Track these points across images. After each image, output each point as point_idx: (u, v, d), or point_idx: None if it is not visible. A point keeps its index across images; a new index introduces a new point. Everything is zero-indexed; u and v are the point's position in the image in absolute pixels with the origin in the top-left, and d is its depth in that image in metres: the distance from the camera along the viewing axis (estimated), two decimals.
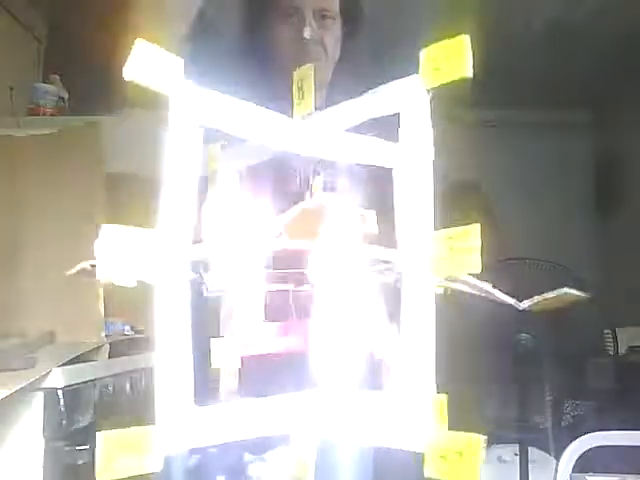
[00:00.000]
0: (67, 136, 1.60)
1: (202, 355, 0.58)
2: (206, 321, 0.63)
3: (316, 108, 0.57)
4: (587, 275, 2.28)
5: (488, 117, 3.81)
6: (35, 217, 1.58)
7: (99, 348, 1.52)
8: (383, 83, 0.51)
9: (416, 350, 0.43)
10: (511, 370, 2.07)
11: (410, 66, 0.50)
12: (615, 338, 2.14)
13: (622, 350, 2.30)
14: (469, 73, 0.44)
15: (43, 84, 2.26)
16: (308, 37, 1.15)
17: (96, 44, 2.80)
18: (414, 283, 0.45)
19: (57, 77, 2.30)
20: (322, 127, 0.55)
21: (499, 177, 3.84)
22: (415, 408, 0.43)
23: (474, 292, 0.56)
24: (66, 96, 2.28)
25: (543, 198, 3.93)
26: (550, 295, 0.55)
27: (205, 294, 0.58)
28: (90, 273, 0.55)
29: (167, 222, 0.42)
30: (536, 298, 0.55)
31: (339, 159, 0.56)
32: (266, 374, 0.71)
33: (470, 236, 0.42)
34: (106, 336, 1.58)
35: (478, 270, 0.42)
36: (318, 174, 1.10)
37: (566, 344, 2.07)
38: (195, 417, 0.42)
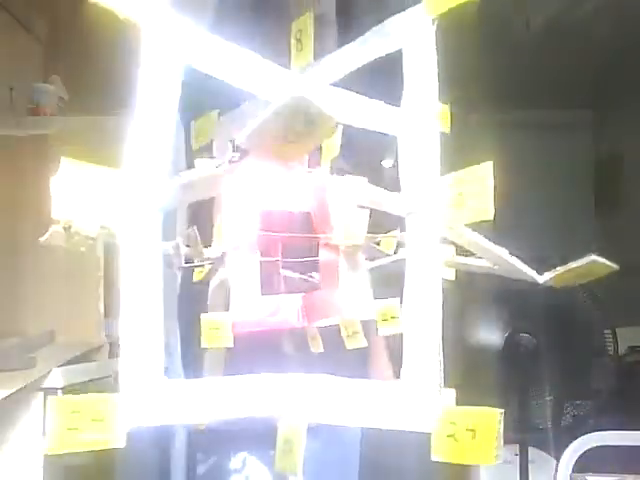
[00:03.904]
0: (67, 136, 1.60)
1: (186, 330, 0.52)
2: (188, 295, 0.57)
3: None
4: None
5: (486, 118, 3.81)
6: (35, 217, 1.58)
7: (99, 348, 1.52)
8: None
9: (421, 327, 0.38)
10: (511, 370, 2.07)
11: None
12: (615, 338, 2.14)
13: (622, 350, 2.29)
14: None
15: (43, 84, 2.26)
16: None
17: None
18: (419, 239, 0.38)
19: (57, 77, 2.29)
20: (325, 77, 0.50)
21: (498, 177, 3.83)
22: (420, 387, 0.38)
23: (490, 263, 0.51)
24: (66, 96, 2.28)
25: (542, 198, 3.93)
26: (575, 265, 0.49)
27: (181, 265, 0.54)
28: (62, 236, 0.50)
29: (139, 164, 0.36)
30: (559, 269, 0.50)
31: (340, 119, 0.50)
32: (256, 354, 0.63)
33: (482, 177, 0.37)
34: (106, 336, 1.58)
35: (490, 216, 0.37)
36: None
37: (566, 344, 2.07)
38: (165, 390, 0.36)
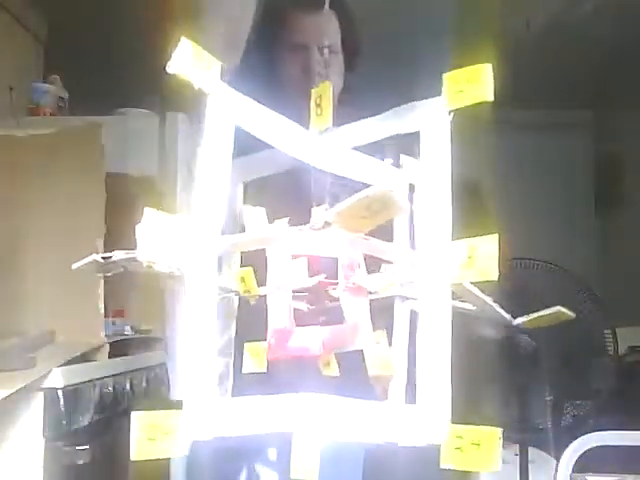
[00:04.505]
0: (67, 136, 1.60)
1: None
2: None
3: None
4: (587, 275, 2.28)
5: (489, 118, 3.80)
6: (35, 217, 1.58)
7: (99, 348, 1.51)
8: (381, 109, 0.55)
9: (433, 353, 0.46)
10: (511, 371, 2.07)
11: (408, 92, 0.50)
12: (615, 338, 2.14)
13: (622, 350, 2.30)
14: (491, 97, 0.48)
15: (43, 84, 2.26)
16: (314, 70, 1.31)
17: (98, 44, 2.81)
18: (433, 290, 0.48)
19: (57, 77, 2.30)
20: (340, 143, 0.58)
21: (498, 177, 3.84)
22: (430, 406, 0.46)
23: (472, 306, 0.59)
24: (66, 96, 2.28)
25: (542, 198, 3.93)
26: (544, 313, 0.58)
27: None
28: (99, 266, 0.57)
29: (201, 211, 0.44)
30: (531, 315, 0.59)
31: (350, 176, 0.59)
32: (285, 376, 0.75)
33: (489, 245, 0.45)
34: (106, 336, 1.58)
35: (495, 277, 0.45)
36: (334, 195, 1.18)
37: (566, 344, 2.07)
38: (220, 407, 0.44)
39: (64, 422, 1.24)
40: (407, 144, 0.56)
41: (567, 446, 1.55)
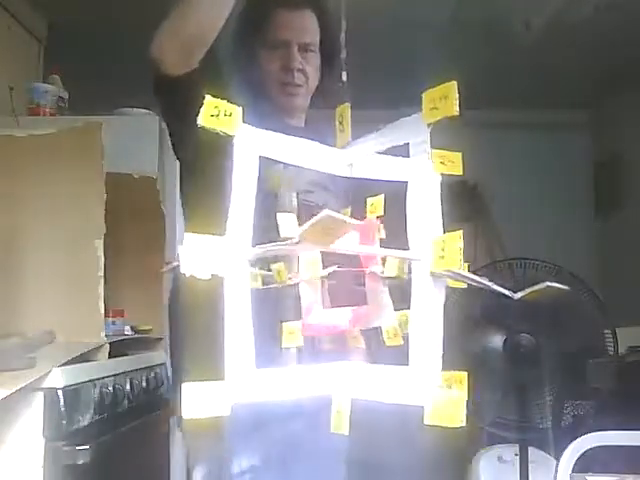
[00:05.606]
0: (67, 136, 1.60)
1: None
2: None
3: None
4: (587, 275, 2.28)
5: (486, 117, 3.80)
6: (35, 217, 1.58)
7: (99, 348, 1.52)
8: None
9: (426, 331, 0.57)
10: (511, 370, 2.07)
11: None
12: (615, 338, 2.14)
13: (622, 350, 2.29)
14: (457, 112, 0.57)
15: (43, 84, 2.26)
16: (294, 67, 1.38)
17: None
18: (426, 277, 0.58)
19: (57, 77, 2.30)
20: (357, 153, 0.69)
21: (498, 177, 3.84)
22: (421, 375, 0.57)
23: (475, 285, 0.66)
24: (66, 96, 2.28)
25: (542, 198, 3.93)
26: (537, 287, 0.69)
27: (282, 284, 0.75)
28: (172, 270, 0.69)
29: (233, 230, 0.57)
30: (527, 290, 0.69)
31: (371, 177, 0.70)
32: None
33: (455, 241, 0.56)
34: (106, 336, 1.58)
35: (459, 267, 0.55)
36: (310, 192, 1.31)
37: (566, 344, 2.07)
38: (255, 376, 0.55)
39: (64, 422, 1.24)
40: None
41: (567, 446, 1.55)
